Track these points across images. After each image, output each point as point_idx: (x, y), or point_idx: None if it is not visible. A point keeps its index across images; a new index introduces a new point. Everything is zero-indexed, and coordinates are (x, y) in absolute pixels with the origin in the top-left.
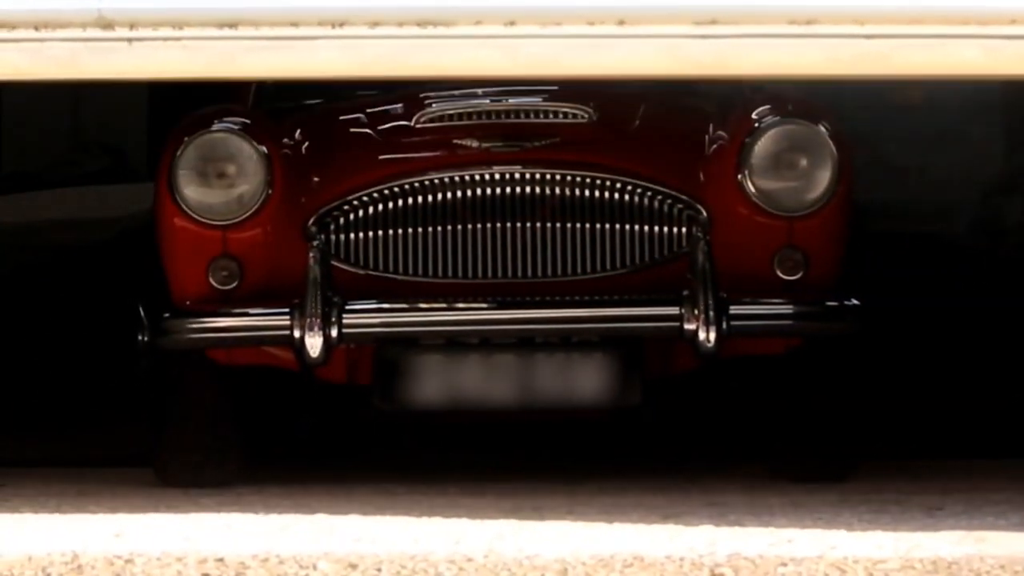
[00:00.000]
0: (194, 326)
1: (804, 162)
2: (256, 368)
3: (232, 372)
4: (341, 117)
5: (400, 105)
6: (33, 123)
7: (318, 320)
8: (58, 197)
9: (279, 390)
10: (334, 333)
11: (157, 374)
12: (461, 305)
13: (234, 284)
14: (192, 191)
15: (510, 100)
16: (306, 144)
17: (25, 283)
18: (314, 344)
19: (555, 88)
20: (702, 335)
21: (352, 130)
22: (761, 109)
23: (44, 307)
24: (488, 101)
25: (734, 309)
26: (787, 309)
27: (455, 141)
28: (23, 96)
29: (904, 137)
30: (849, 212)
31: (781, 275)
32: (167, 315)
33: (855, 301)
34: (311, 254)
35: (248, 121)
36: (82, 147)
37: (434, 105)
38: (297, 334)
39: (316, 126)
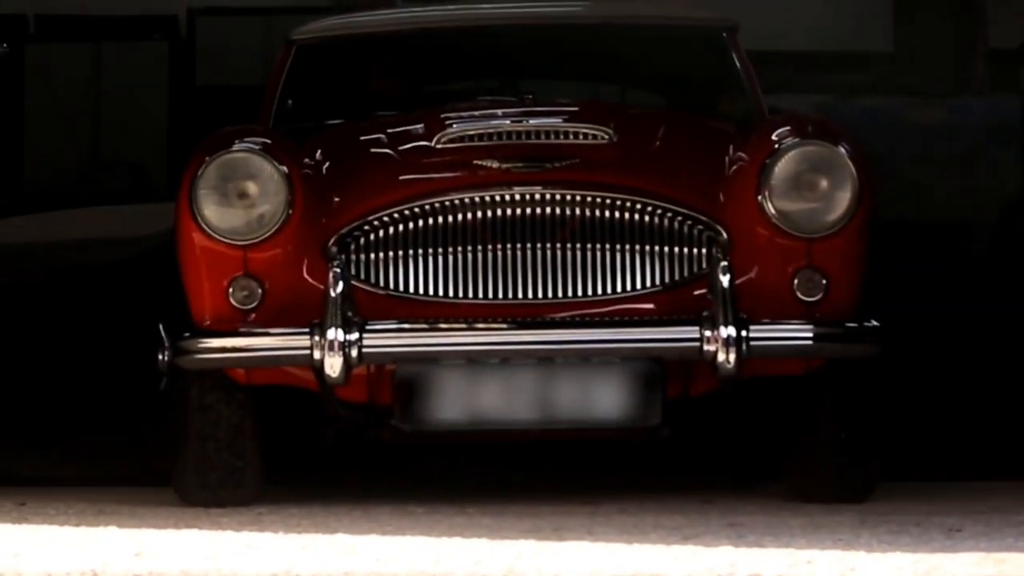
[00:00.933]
0: (214, 346)
1: (824, 183)
2: (276, 388)
3: (252, 391)
4: (362, 137)
5: (421, 126)
6: (54, 142)
7: (338, 341)
8: (79, 216)
9: (299, 409)
10: (354, 354)
11: (177, 393)
12: (481, 326)
13: (254, 304)
14: (213, 211)
15: (530, 121)
16: (327, 164)
17: (45, 302)
18: (334, 365)
19: (576, 109)
20: (722, 357)
21: (373, 150)
22: (781, 130)
23: (64, 326)
24: (508, 122)
25: (754, 330)
26: (807, 331)
27: (476, 162)
28: (44, 115)
29: (924, 157)
30: (869, 233)
31: (801, 296)
32: (187, 335)
33: (875, 322)
34: (331, 274)
35: (269, 141)
36: (103, 166)
37: (455, 126)
38: (317, 355)
39: (337, 146)
